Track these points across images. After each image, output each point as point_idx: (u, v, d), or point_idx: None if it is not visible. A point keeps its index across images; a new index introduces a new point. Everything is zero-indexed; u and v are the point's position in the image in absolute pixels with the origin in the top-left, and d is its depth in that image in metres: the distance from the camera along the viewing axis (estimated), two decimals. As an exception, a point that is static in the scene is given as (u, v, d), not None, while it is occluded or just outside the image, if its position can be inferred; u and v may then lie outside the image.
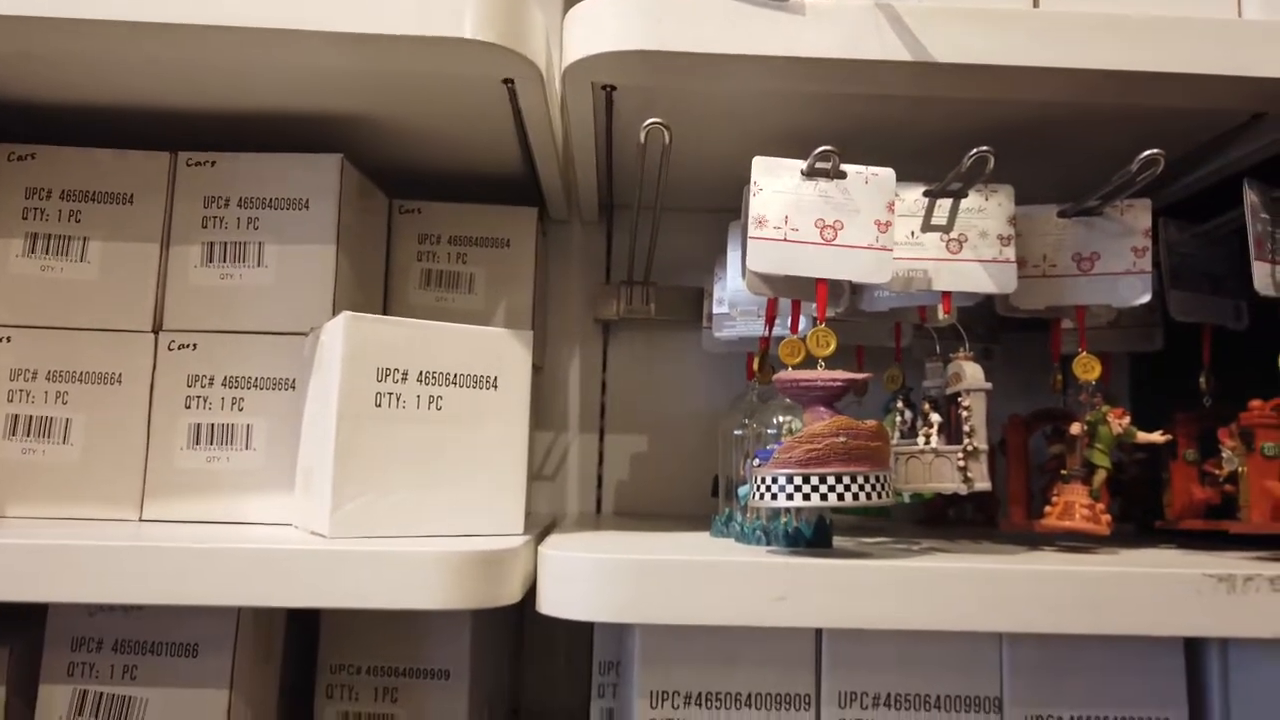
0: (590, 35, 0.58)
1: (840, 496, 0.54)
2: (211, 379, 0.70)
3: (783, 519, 0.61)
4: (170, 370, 0.70)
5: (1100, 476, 0.65)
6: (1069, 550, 0.65)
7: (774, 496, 0.55)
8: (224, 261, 0.72)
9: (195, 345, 0.70)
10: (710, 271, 0.85)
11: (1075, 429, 0.65)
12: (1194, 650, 0.64)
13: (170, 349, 0.70)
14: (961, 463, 0.60)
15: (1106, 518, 0.63)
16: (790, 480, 0.54)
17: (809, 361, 0.60)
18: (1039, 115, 0.68)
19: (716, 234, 0.81)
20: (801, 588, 0.53)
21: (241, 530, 0.63)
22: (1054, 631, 0.54)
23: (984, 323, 0.95)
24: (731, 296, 0.75)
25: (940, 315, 0.67)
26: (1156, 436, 0.66)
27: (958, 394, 0.62)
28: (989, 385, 0.61)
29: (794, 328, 0.67)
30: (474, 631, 0.72)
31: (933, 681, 0.63)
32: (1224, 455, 0.67)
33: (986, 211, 0.65)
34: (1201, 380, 0.71)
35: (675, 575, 0.53)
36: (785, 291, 0.64)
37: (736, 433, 0.70)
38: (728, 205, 0.78)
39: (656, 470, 0.96)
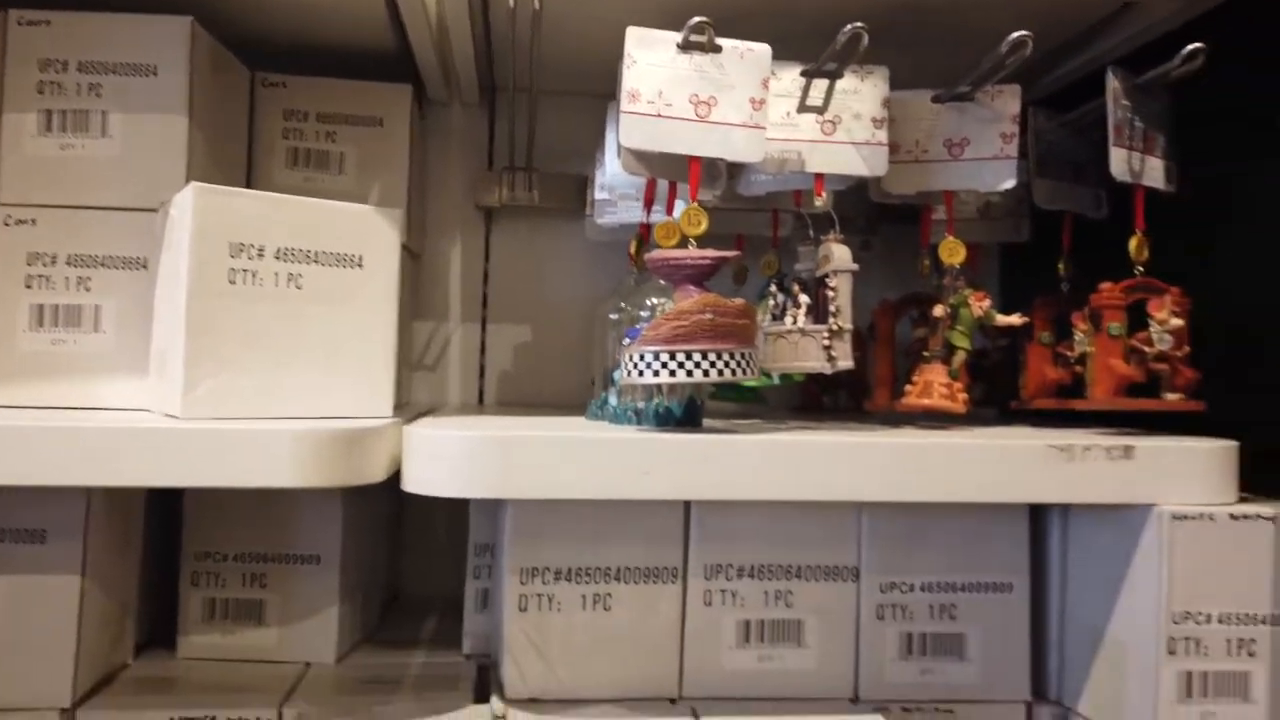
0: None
1: (706, 373, 0.55)
2: (54, 257, 0.65)
3: (654, 399, 0.62)
4: (8, 248, 0.65)
5: (959, 357, 0.67)
6: (927, 428, 0.68)
7: (641, 374, 0.55)
8: (64, 130, 0.66)
9: (34, 221, 0.66)
10: (594, 158, 0.84)
11: (938, 311, 0.67)
12: (1038, 520, 0.68)
13: (6, 225, 0.65)
14: (826, 342, 0.61)
15: (963, 396, 0.65)
16: (657, 357, 0.55)
17: (684, 244, 0.59)
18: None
19: (601, 119, 0.79)
20: (665, 462, 0.54)
21: (91, 413, 0.60)
22: (907, 500, 0.56)
23: (863, 214, 0.96)
24: (611, 180, 0.74)
25: (815, 200, 0.67)
26: (1014, 319, 0.69)
27: (826, 275, 0.63)
28: (855, 266, 0.62)
29: (670, 210, 0.66)
30: (346, 516, 0.71)
31: (795, 552, 0.65)
32: (1076, 338, 0.70)
33: (861, 94, 0.65)
34: (1060, 266, 0.74)
35: (540, 450, 0.53)
36: (661, 171, 0.63)
37: (612, 316, 0.70)
38: (613, 90, 0.76)
39: (540, 360, 0.95)
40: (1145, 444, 0.58)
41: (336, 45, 0.82)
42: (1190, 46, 0.61)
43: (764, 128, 0.59)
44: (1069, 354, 0.71)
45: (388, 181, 0.82)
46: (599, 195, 0.78)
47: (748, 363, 0.56)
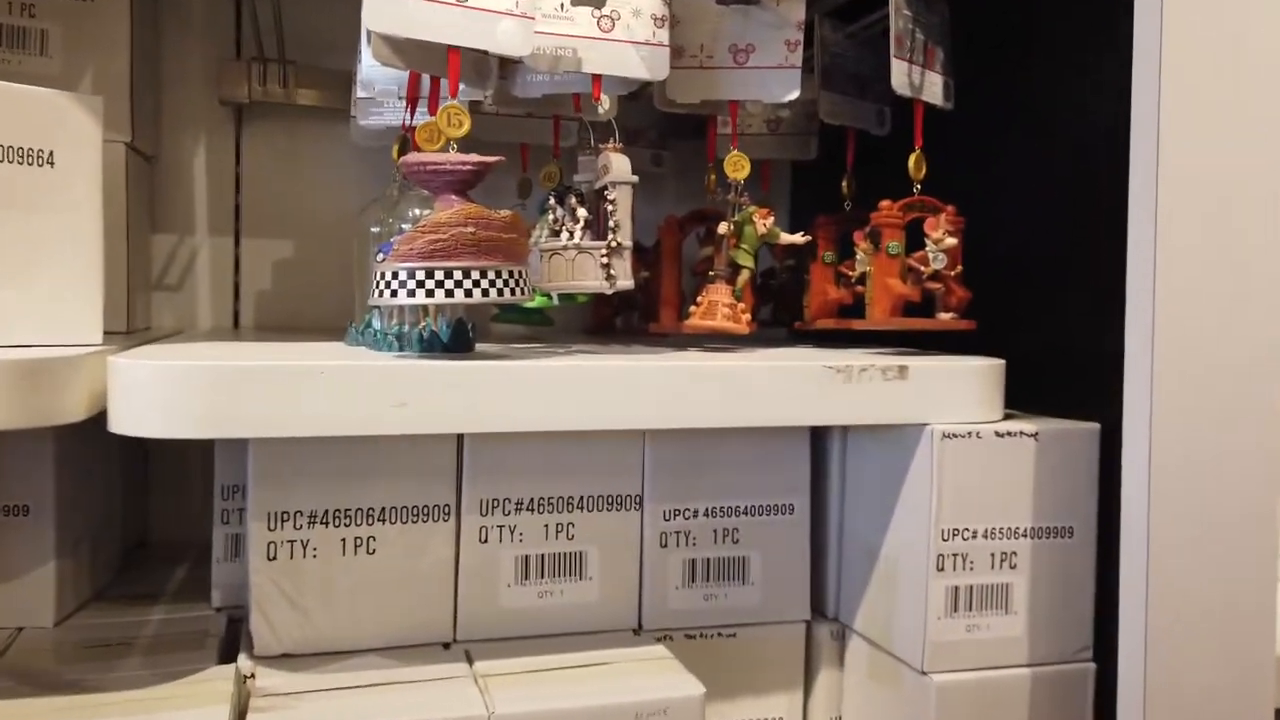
0: None
1: (468, 293, 0.49)
2: None
3: (421, 323, 0.55)
4: None
5: (744, 276, 0.65)
6: (712, 350, 0.66)
7: (394, 293, 0.49)
8: None
9: None
10: (356, 50, 0.74)
11: (722, 228, 0.64)
12: (818, 441, 0.68)
13: None
14: (605, 259, 0.57)
15: (747, 317, 0.63)
16: (412, 275, 0.48)
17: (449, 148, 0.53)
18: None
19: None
20: (422, 391, 0.49)
21: None
22: (689, 426, 0.54)
23: (655, 127, 0.92)
24: (370, 76, 0.66)
25: (595, 104, 0.62)
26: (797, 238, 0.67)
27: (605, 188, 0.58)
28: (635, 178, 0.58)
29: (432, 108, 0.59)
30: (60, 456, 0.61)
31: (576, 483, 0.61)
32: (857, 257, 0.70)
33: (643, -11, 0.60)
34: (843, 184, 0.73)
35: (268, 381, 0.46)
36: (419, 63, 0.55)
37: (374, 230, 0.63)
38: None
39: (303, 278, 0.86)
40: (918, 364, 0.58)
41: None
42: (972, -44, 0.59)
43: (533, 18, 0.53)
44: (850, 273, 0.70)
45: (106, 67, 0.70)
46: (360, 93, 0.69)
47: (517, 282, 0.51)
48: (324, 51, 0.82)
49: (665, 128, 0.92)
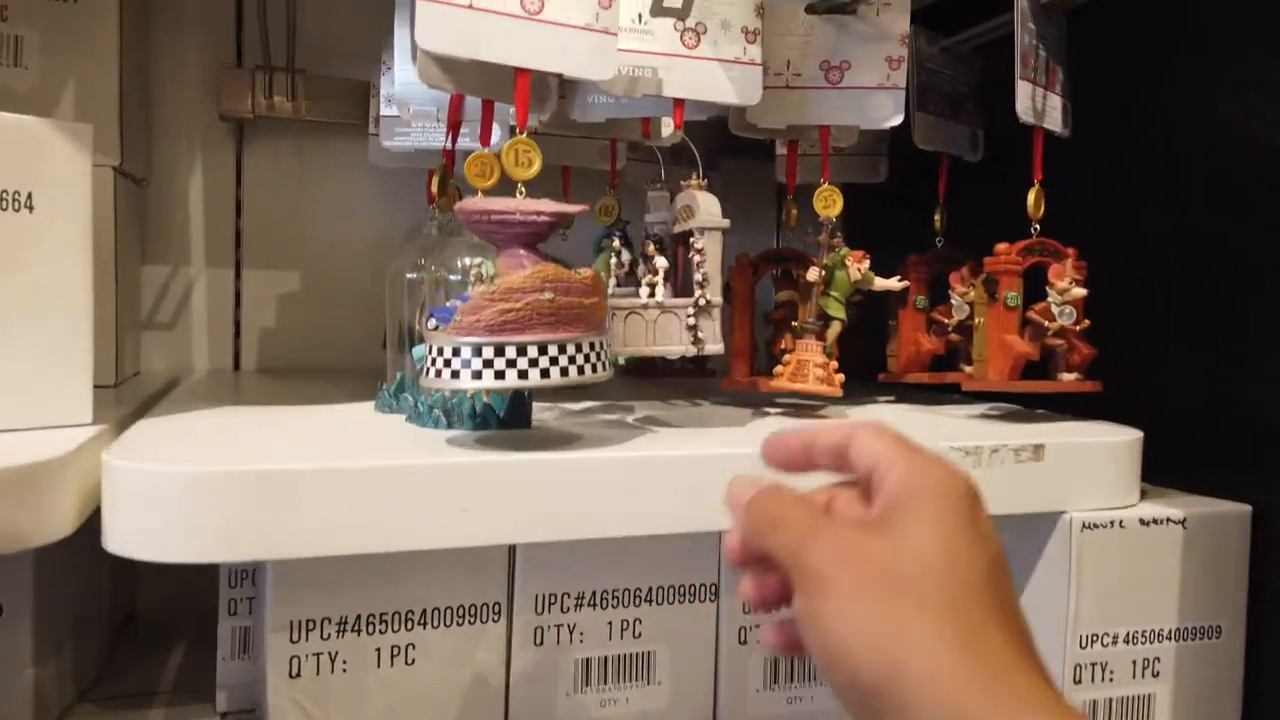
0: None
1: (545, 373, 0.40)
2: None
3: (469, 394, 0.46)
4: None
5: (835, 329, 0.56)
6: (794, 409, 0.57)
7: (455, 375, 0.40)
8: None
9: None
10: (379, 60, 0.65)
11: (812, 275, 0.55)
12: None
13: None
14: (691, 320, 0.48)
15: (840, 378, 0.55)
16: (478, 353, 0.39)
17: (505, 186, 0.44)
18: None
19: (389, 7, 0.61)
20: (490, 493, 0.40)
21: None
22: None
23: (701, 143, 0.83)
24: (402, 93, 0.56)
25: (668, 131, 0.53)
26: (894, 283, 0.58)
27: (688, 233, 0.49)
28: (726, 223, 0.49)
29: (485, 138, 0.50)
30: (40, 554, 0.52)
31: (643, 573, 0.53)
32: (954, 302, 0.62)
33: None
34: (936, 218, 0.64)
35: (300, 490, 0.37)
36: (472, 85, 0.47)
37: (410, 276, 0.54)
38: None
39: (312, 315, 0.77)
40: (1055, 441, 0.49)
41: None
42: (1115, -37, 0.51)
43: (615, 34, 0.44)
44: (946, 321, 0.62)
45: (90, 80, 0.60)
46: (386, 110, 0.60)
47: (598, 355, 0.42)
48: (337, 59, 0.73)
49: (713, 144, 0.83)
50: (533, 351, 0.40)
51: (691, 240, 0.49)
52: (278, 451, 0.40)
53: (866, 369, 0.71)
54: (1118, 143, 0.60)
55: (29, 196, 0.42)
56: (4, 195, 0.41)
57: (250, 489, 0.37)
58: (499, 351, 0.40)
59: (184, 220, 0.74)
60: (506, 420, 0.48)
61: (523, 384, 0.40)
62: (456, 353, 0.40)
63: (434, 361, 0.41)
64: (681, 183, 0.50)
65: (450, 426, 0.47)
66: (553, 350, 0.40)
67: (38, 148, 0.42)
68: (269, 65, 0.71)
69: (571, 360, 0.41)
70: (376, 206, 0.76)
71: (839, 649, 0.25)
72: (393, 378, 0.54)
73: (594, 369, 0.42)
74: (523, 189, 0.43)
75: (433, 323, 0.43)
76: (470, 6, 0.41)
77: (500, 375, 0.40)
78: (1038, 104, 0.54)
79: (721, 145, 0.82)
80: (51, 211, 0.43)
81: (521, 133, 0.43)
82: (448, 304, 0.45)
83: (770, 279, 0.62)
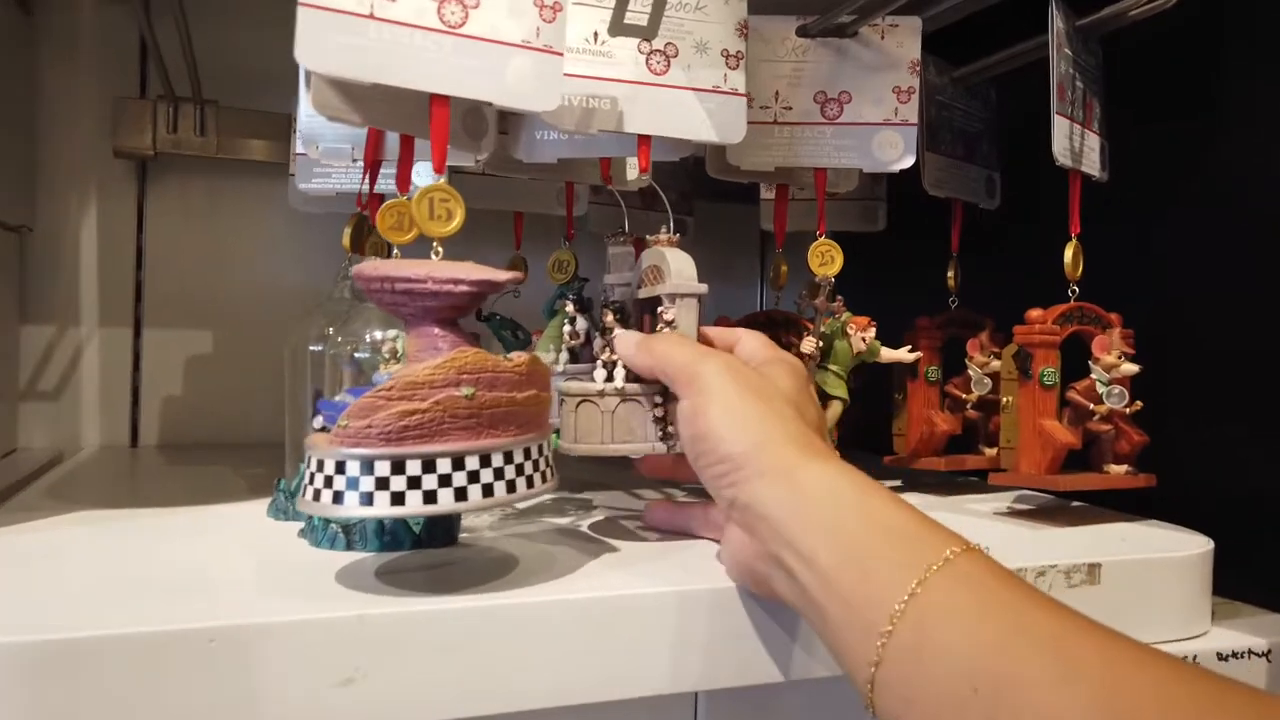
0: None
1: (461, 493, 0.30)
2: None
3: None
4: None
5: (835, 410, 0.47)
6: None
7: (338, 497, 0.30)
8: None
9: None
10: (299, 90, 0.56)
11: (808, 346, 0.46)
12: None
13: None
14: (660, 411, 0.38)
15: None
16: (369, 469, 0.29)
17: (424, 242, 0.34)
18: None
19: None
20: (387, 655, 0.29)
21: None
22: (784, 680, 0.35)
23: (674, 186, 0.74)
24: (309, 127, 0.47)
25: (633, 173, 0.44)
26: (905, 354, 0.49)
27: (656, 299, 0.40)
28: (703, 288, 0.40)
29: (403, 182, 0.40)
30: None
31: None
32: (972, 375, 0.52)
33: (708, 11, 0.42)
34: (949, 275, 0.55)
35: (110, 669, 0.27)
36: (382, 117, 0.37)
37: (313, 348, 0.44)
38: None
39: (224, 382, 0.66)
40: (1112, 560, 0.40)
41: None
42: (1170, -24, 0.42)
43: (559, 54, 0.35)
44: (963, 396, 0.53)
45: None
46: (299, 149, 0.51)
47: (536, 465, 0.32)
48: (256, 88, 0.63)
49: (688, 185, 0.74)
50: (444, 466, 0.30)
51: (660, 310, 0.39)
52: (100, 599, 0.30)
53: (864, 441, 0.61)
54: (1168, 189, 0.52)
55: None
56: None
57: (35, 664, 0.26)
58: (397, 468, 0.29)
59: (73, 273, 0.63)
60: (424, 539, 0.37)
61: (429, 509, 0.30)
62: (340, 469, 0.30)
63: (313, 478, 0.31)
64: (648, 238, 0.41)
65: (350, 547, 0.37)
66: (472, 463, 0.30)
67: None
68: (173, 95, 0.61)
69: (499, 474, 0.31)
70: (300, 256, 0.66)
71: (715, 433, 0.33)
72: (293, 473, 0.44)
73: (529, 482, 0.32)
74: (439, 248, 0.33)
75: (318, 421, 0.33)
76: (370, 16, 0.32)
77: (399, 499, 0.29)
78: (1075, 144, 0.45)
79: (698, 186, 0.73)
80: None
81: (439, 177, 0.34)
82: (346, 392, 0.36)
83: (756, 347, 0.52)
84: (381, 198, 0.45)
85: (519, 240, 0.61)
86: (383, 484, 0.29)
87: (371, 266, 0.32)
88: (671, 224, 0.42)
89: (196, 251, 0.66)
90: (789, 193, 0.51)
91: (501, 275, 0.32)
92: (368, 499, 0.29)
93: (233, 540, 0.39)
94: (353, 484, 0.30)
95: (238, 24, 0.64)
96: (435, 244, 0.33)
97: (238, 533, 0.40)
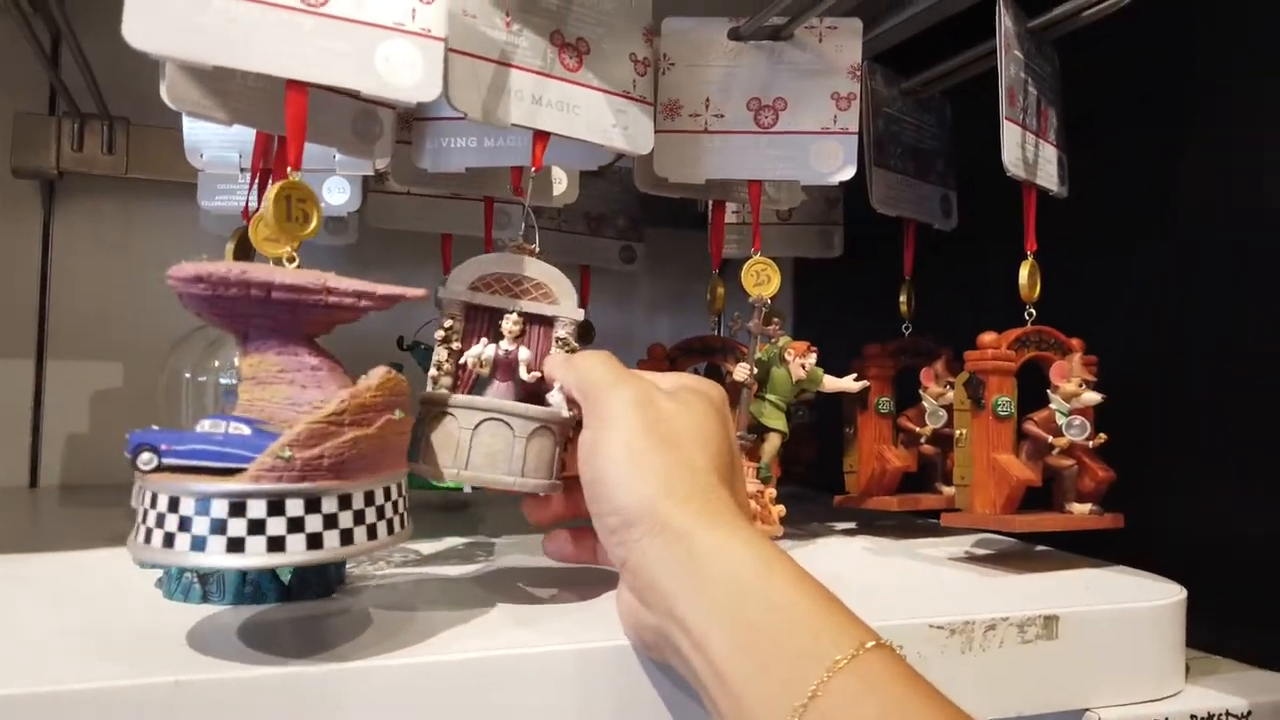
0: None
1: (315, 541, 0.26)
2: None
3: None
4: None
5: (773, 444, 0.43)
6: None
7: (168, 541, 0.25)
8: None
9: None
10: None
11: (741, 373, 0.42)
12: None
13: None
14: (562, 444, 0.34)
15: (779, 510, 0.41)
16: (203, 506, 0.25)
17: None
18: None
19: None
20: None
21: None
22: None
23: (624, 211, 0.71)
24: (194, 137, 0.43)
25: (560, 188, 0.41)
26: (849, 383, 0.45)
27: (503, 311, 0.35)
28: (579, 314, 0.36)
29: (263, 188, 0.36)
30: None
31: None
32: (926, 406, 0.48)
33: (619, 11, 0.38)
34: (902, 300, 0.51)
35: None
36: (251, 114, 0.33)
37: (187, 375, 0.40)
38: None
39: (133, 416, 0.61)
40: (1071, 611, 0.35)
41: None
42: (1125, -30, 0.39)
43: (441, 38, 0.31)
44: (916, 429, 0.49)
45: None
46: (189, 156, 0.47)
47: (394, 506, 0.28)
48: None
49: (637, 211, 0.70)
50: (296, 507, 0.26)
51: (557, 333, 0.35)
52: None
53: (819, 480, 0.57)
54: (1133, 206, 0.48)
55: None
56: None
57: None
58: (237, 509, 0.25)
59: (-30, 299, 0.59)
60: (295, 589, 0.33)
61: (313, 556, 0.25)
62: (173, 505, 0.25)
63: (146, 519, 0.26)
64: (508, 243, 0.36)
65: (206, 599, 0.32)
66: (328, 502, 0.26)
67: None
68: (79, 112, 0.57)
69: (380, 514, 0.27)
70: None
71: (612, 478, 0.30)
72: (167, 515, 0.39)
73: (390, 528, 0.28)
74: (291, 254, 0.29)
75: (147, 457, 0.28)
76: (220, -7, 0.28)
77: (235, 545, 0.25)
78: (1028, 154, 0.42)
79: (648, 213, 0.70)
80: None
81: (294, 173, 0.30)
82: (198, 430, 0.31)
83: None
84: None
85: (447, 264, 0.57)
86: (218, 528, 0.25)
87: (232, 267, 0.27)
88: (533, 226, 0.37)
89: (106, 277, 0.62)
90: (724, 208, 0.48)
91: (411, 292, 0.28)
92: (198, 544, 0.25)
93: (89, 594, 0.34)
94: (186, 525, 0.25)
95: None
96: (289, 251, 0.29)
97: (98, 585, 0.35)
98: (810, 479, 0.60)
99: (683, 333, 0.66)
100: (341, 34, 0.30)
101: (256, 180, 0.40)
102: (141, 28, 0.27)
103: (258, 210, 0.40)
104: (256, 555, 0.25)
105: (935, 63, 0.51)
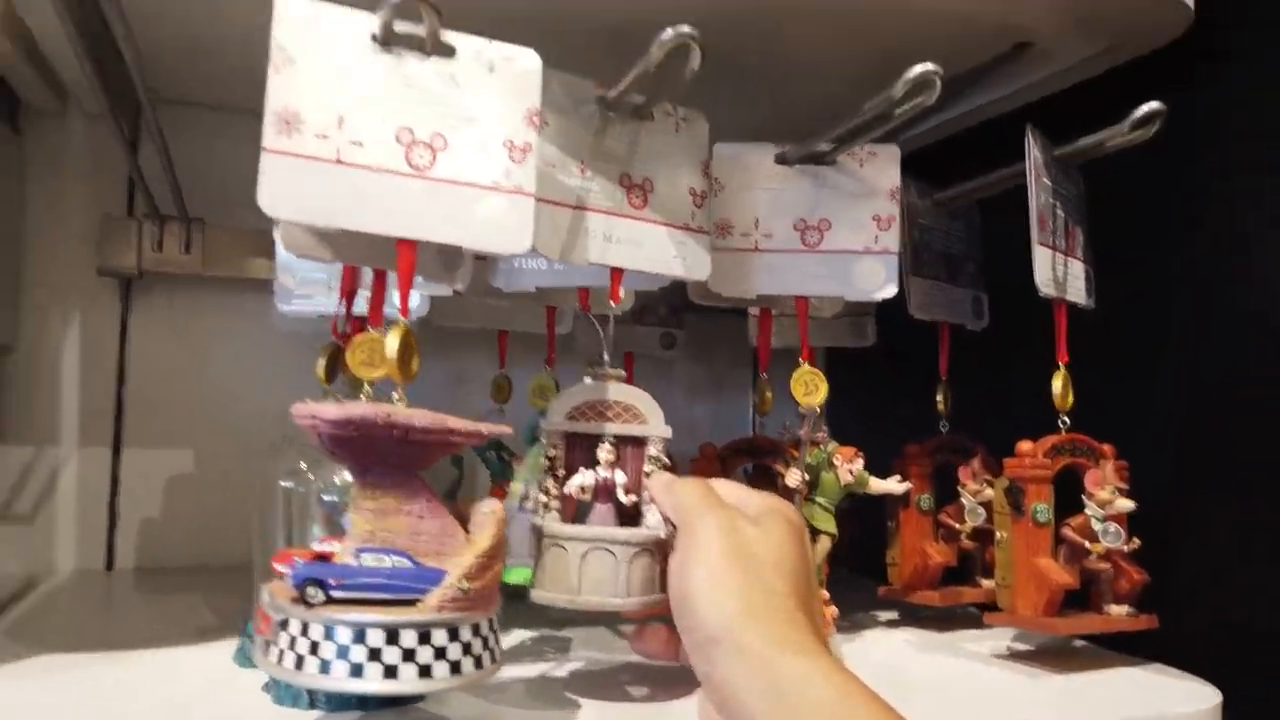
0: None
1: (455, 667, 0.29)
2: None
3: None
4: None
5: (824, 545, 0.45)
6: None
7: (324, 668, 0.28)
8: None
9: None
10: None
11: (794, 479, 0.45)
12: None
13: None
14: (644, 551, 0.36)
15: (833, 612, 0.43)
16: (359, 635, 0.28)
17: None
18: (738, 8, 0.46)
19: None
20: None
21: None
22: None
23: (664, 299, 0.74)
24: (285, 258, 0.47)
25: (610, 303, 0.44)
26: (894, 485, 0.48)
27: (597, 437, 0.38)
28: (667, 431, 0.39)
29: (375, 316, 0.39)
30: None
31: None
32: (966, 504, 0.51)
33: (676, 150, 0.42)
34: (939, 399, 0.54)
35: None
36: (353, 254, 0.37)
37: (284, 484, 0.42)
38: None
39: (205, 499, 0.65)
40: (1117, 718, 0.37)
41: None
42: (1148, 107, 0.42)
43: (530, 194, 0.35)
44: (957, 526, 0.51)
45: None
46: (280, 275, 0.50)
47: (485, 643, 0.31)
48: (239, 205, 0.63)
49: (676, 300, 0.74)
50: (484, 629, 0.29)
51: (649, 452, 0.38)
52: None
53: (855, 561, 0.59)
54: (1160, 314, 0.51)
55: None
56: None
57: None
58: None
59: (53, 391, 0.62)
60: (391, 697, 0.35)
61: (452, 682, 0.28)
62: (329, 632, 0.28)
63: (278, 641, 0.29)
64: (596, 370, 0.39)
65: (314, 705, 0.35)
66: (485, 628, 0.29)
67: None
68: (158, 214, 0.61)
69: (492, 640, 0.30)
70: (284, 375, 0.65)
71: (696, 596, 0.33)
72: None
73: (478, 663, 0.30)
74: (368, 388, 0.32)
75: (289, 577, 0.31)
76: (338, 161, 0.32)
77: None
78: (1059, 273, 0.45)
79: (687, 300, 0.73)
80: None
81: (405, 318, 0.33)
82: (320, 543, 0.34)
83: (743, 476, 0.51)
84: (363, 323, 0.45)
85: (503, 359, 0.60)
86: (372, 655, 0.28)
87: (377, 412, 0.30)
88: (607, 356, 0.40)
89: (179, 369, 0.65)
90: (771, 315, 0.51)
91: (463, 429, 0.31)
92: (355, 669, 0.28)
93: (196, 697, 0.37)
94: (342, 651, 0.28)
95: (221, 141, 0.64)
96: (365, 386, 0.32)
97: (203, 685, 0.38)
98: (847, 559, 0.63)
99: (722, 417, 0.69)
100: (445, 195, 0.33)
101: (346, 299, 0.44)
102: (276, 198, 0.31)
103: (348, 334, 0.44)
104: (409, 681, 0.28)
105: (959, 168, 0.55)
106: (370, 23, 0.33)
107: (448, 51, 0.34)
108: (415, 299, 0.53)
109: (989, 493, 0.50)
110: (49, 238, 0.62)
